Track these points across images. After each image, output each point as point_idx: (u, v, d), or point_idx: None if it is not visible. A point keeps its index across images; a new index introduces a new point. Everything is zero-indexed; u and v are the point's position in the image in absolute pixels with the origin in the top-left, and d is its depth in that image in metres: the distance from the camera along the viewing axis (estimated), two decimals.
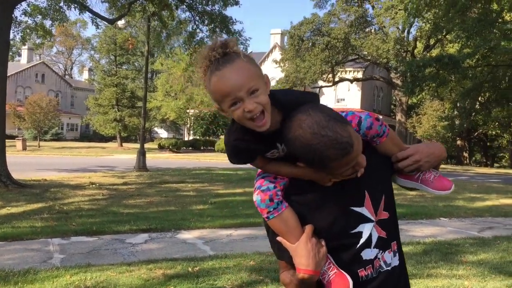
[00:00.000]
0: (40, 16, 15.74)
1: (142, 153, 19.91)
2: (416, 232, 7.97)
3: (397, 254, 1.55)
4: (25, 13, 15.68)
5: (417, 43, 36.30)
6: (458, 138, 43.05)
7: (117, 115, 43.75)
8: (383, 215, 1.50)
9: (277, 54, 43.43)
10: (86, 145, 44.29)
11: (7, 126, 15.36)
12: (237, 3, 16.60)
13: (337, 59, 35.41)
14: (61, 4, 13.00)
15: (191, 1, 17.32)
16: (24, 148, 34.07)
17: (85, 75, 63.56)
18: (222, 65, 1.29)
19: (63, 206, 10.02)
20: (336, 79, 37.85)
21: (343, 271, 1.43)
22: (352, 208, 1.46)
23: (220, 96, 1.31)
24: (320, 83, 37.93)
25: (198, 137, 41.87)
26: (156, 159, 29.20)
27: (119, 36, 42.19)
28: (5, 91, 13.47)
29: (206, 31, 17.71)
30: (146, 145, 37.50)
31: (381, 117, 1.49)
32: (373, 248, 1.47)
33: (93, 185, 13.81)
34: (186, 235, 7.40)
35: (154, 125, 54.47)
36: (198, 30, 17.77)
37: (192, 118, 42.98)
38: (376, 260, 1.48)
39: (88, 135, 56.14)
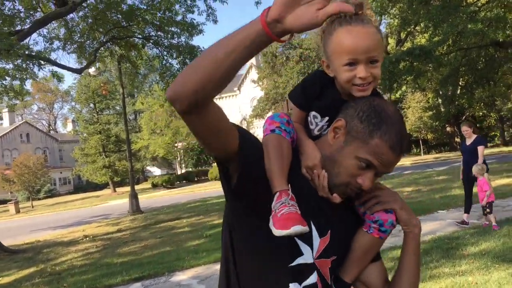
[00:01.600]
0: (8, 78, 15.61)
1: (134, 196, 19.62)
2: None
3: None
4: None
5: (389, 39, 36.56)
6: (447, 125, 43.12)
7: (106, 161, 43.45)
8: (326, 273, 1.28)
9: (254, 74, 43.57)
10: (81, 196, 43.84)
11: None
12: (201, 32, 16.58)
13: (312, 68, 35.56)
14: (19, 62, 12.79)
15: (156, 38, 17.28)
16: (18, 211, 33.56)
17: (69, 127, 63.37)
18: (356, 22, 1.16)
19: (55, 266, 9.74)
20: None
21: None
22: (312, 223, 1.24)
23: (341, 50, 1.18)
24: None
25: (190, 169, 41.62)
26: (151, 198, 28.87)
27: (93, 83, 42.20)
28: None
29: (177, 63, 17.64)
30: (141, 186, 37.17)
31: None
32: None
33: (87, 238, 13.51)
34: (181, 276, 7.15)
35: (145, 164, 54.15)
36: (168, 64, 17.71)
37: (182, 151, 42.79)
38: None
39: (82, 186, 55.63)
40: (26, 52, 12.10)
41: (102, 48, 17.30)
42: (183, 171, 43.36)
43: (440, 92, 39.23)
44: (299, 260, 1.24)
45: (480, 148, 7.52)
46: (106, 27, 16.52)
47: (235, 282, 1.29)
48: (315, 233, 1.25)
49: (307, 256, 1.24)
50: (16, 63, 12.87)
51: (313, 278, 1.25)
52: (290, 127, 1.28)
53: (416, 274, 1.33)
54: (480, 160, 7.37)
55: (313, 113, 1.32)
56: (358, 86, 1.20)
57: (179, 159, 44.55)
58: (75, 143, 56.04)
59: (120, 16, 16.41)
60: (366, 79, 1.19)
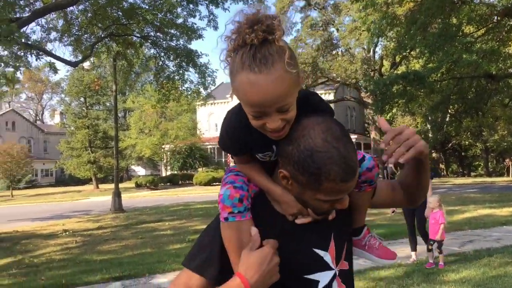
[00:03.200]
0: (1, 64, 15.48)
1: (117, 194, 19.48)
2: (397, 253, 7.83)
3: None
4: None
5: (384, 61, 37.00)
6: (433, 151, 43.59)
7: (91, 156, 43.08)
8: (344, 265, 1.31)
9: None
10: (62, 189, 43.32)
11: None
12: (200, 37, 16.63)
13: (307, 83, 35.77)
14: (16, 50, 12.73)
15: (155, 38, 17.30)
16: None
17: (57, 119, 62.76)
18: (259, 66, 1.02)
19: (34, 258, 9.62)
20: None
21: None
22: (314, 250, 1.25)
23: (246, 100, 1.08)
24: None
25: (175, 172, 41.41)
26: (134, 198, 28.67)
27: (86, 77, 41.96)
28: None
29: (173, 66, 17.67)
30: (124, 185, 36.84)
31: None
32: None
33: (66, 233, 13.37)
34: (161, 279, 7.11)
35: (130, 163, 53.78)
36: (164, 66, 17.71)
37: (168, 153, 42.59)
38: None
39: (64, 179, 55.00)
40: (24, 41, 12.01)
41: (99, 43, 17.25)
42: (168, 173, 43.15)
43: (430, 118, 39.73)
44: (321, 285, 1.25)
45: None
46: (105, 23, 16.50)
47: None
48: (322, 252, 1.26)
49: (325, 277, 1.26)
50: (12, 51, 12.78)
51: (335, 286, 1.28)
52: (245, 202, 1.20)
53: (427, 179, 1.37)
54: (429, 192, 6.94)
55: (260, 154, 1.23)
56: (272, 132, 1.12)
57: (165, 161, 44.33)
58: (61, 135, 55.50)
59: (120, 13, 16.41)
60: (277, 128, 1.10)
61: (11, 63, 15.02)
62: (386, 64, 37.60)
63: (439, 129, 39.09)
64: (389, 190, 1.43)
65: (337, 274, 1.28)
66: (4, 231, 14.38)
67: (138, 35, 17.28)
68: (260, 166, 1.25)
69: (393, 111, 31.72)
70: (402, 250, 8.05)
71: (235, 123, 1.18)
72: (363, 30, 29.19)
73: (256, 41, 1.04)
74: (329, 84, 40.35)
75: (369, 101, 34.78)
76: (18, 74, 17.29)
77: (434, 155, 44.12)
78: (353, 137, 40.52)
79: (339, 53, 36.47)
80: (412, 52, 28.63)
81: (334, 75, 36.18)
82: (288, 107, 1.08)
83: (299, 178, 1.13)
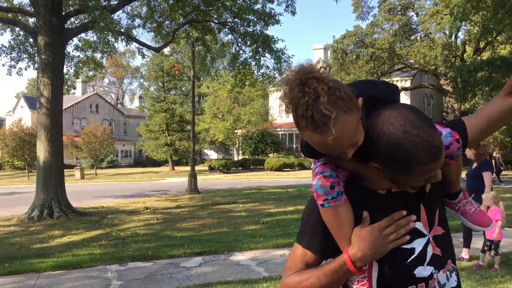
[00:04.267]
0: (90, 50, 16.50)
1: (193, 176, 20.21)
2: (476, 245, 7.58)
3: (453, 274, 1.44)
4: (76, 48, 16.50)
5: (466, 47, 35.17)
6: None
7: (168, 139, 44.78)
8: (438, 231, 1.41)
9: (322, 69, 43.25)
10: (140, 170, 45.50)
11: (65, 156, 16.07)
12: (277, 22, 16.71)
13: (383, 69, 34.81)
14: (110, 37, 13.50)
15: (233, 24, 17.61)
16: (82, 177, 35.41)
17: (136, 102, 65.66)
18: (321, 127, 1.15)
19: (120, 232, 10.31)
20: None
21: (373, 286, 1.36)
22: None
23: (320, 148, 1.22)
24: None
25: (247, 157, 42.09)
26: (207, 180, 29.57)
27: (165, 63, 43.48)
28: (62, 124, 14.12)
29: (249, 51, 17.92)
30: (197, 167, 38.10)
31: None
32: (427, 265, 1.36)
33: (148, 210, 14.12)
34: (240, 256, 7.39)
35: (203, 147, 55.30)
36: (241, 52, 18.01)
37: (240, 138, 43.33)
38: (431, 281, 1.37)
39: (142, 161, 57.66)
40: (116, 28, 12.71)
41: (179, 29, 17.84)
42: (240, 157, 43.96)
43: None
44: (416, 251, 1.36)
45: (486, 174, 6.56)
46: (185, 10, 17.02)
47: None
48: (416, 223, 1.36)
49: (420, 244, 1.36)
50: (102, 37, 13.57)
51: (430, 252, 1.37)
52: (337, 188, 1.32)
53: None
54: (487, 189, 6.47)
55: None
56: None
57: (237, 145, 45.16)
58: (140, 118, 58.08)
59: (200, 0, 16.85)
60: (350, 155, 1.24)
61: (99, 48, 15.99)
62: (469, 50, 35.71)
63: None
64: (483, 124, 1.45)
65: (431, 239, 1.38)
66: (92, 206, 15.45)
67: (217, 21, 17.67)
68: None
69: (476, 99, 30.19)
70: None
71: None
72: (445, 14, 27.90)
73: (311, 102, 1.14)
74: (406, 70, 38.99)
75: (449, 88, 33.32)
76: (104, 60, 18.37)
77: None
78: None
79: (418, 38, 35.09)
80: (498, 38, 27.00)
81: (412, 61, 34.87)
82: (356, 141, 1.22)
83: (390, 167, 1.24)
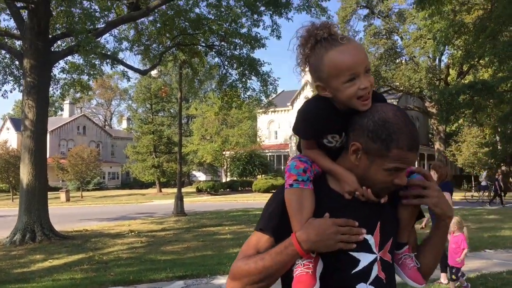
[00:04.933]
0: (77, 73, 16.52)
1: (179, 198, 20.12)
2: None
3: None
4: (63, 70, 16.51)
5: (450, 70, 35.84)
6: (502, 164, 41.50)
7: (155, 161, 44.64)
8: (387, 257, 1.44)
9: (308, 91, 43.70)
10: (127, 192, 45.16)
11: (51, 178, 15.93)
12: (263, 46, 16.95)
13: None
14: (95, 60, 13.58)
15: (219, 47, 17.81)
16: (68, 199, 35.05)
17: (124, 124, 65.55)
18: (344, 40, 1.29)
19: (103, 256, 10.20)
20: None
21: (316, 275, 1.33)
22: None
23: (338, 70, 1.30)
24: None
25: (235, 178, 42.04)
26: (195, 202, 29.42)
27: (153, 85, 43.65)
28: (46, 146, 14.05)
29: (236, 74, 18.10)
30: (185, 189, 37.85)
31: None
32: (369, 285, 1.38)
33: (132, 233, 14.01)
34: (222, 280, 7.35)
35: (192, 168, 55.15)
36: (228, 74, 18.18)
37: (229, 159, 43.35)
38: None
39: (129, 183, 57.29)
40: (100, 51, 12.79)
41: (166, 52, 18.00)
42: (228, 179, 43.88)
43: (499, 129, 37.93)
44: (362, 264, 1.38)
45: (446, 195, 6.42)
46: (173, 33, 17.21)
47: None
48: (367, 236, 1.39)
49: (367, 259, 1.39)
50: (88, 60, 13.64)
51: (374, 272, 1.40)
52: (308, 173, 1.38)
53: (439, 252, 1.56)
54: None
55: (330, 135, 1.41)
56: (361, 100, 1.32)
57: (225, 167, 45.13)
58: (128, 140, 57.90)
59: (187, 24, 17.05)
60: (369, 88, 1.31)
61: (85, 71, 16.03)
62: (453, 73, 36.38)
63: (509, 141, 37.17)
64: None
65: (378, 259, 1.41)
66: (76, 229, 15.27)
67: (204, 44, 17.87)
68: (324, 152, 1.45)
69: (459, 121, 30.61)
70: (466, 264, 7.84)
71: (312, 107, 1.41)
72: (428, 38, 28.50)
73: (326, 35, 1.31)
74: (392, 93, 39.51)
75: (434, 111, 33.77)
76: (91, 82, 18.39)
77: (503, 168, 41.96)
78: None
79: (403, 61, 35.71)
80: (481, 61, 27.57)
81: (397, 84, 35.40)
82: (369, 68, 1.32)
83: (370, 146, 1.33)
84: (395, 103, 41.36)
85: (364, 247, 1.39)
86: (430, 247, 1.54)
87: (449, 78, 35.30)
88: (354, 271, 1.37)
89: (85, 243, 12.40)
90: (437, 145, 37.46)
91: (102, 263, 9.34)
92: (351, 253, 1.37)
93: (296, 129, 1.45)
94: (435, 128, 37.59)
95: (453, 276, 6.10)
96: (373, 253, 1.40)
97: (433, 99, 31.11)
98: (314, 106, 1.40)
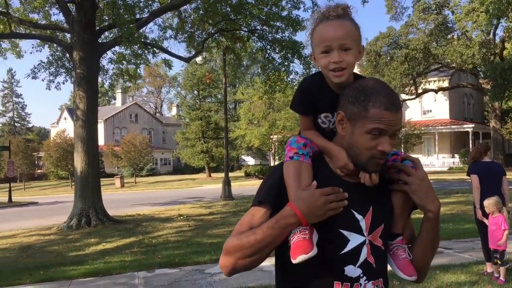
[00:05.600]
0: (124, 62, 17.02)
1: (227, 183, 20.44)
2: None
3: None
4: (111, 61, 17.05)
5: (506, 44, 34.11)
6: None
7: (204, 146, 45.40)
8: (377, 241, 1.45)
9: (355, 71, 42.86)
10: (178, 177, 46.27)
11: (106, 165, 16.60)
12: (304, 28, 16.74)
13: (418, 70, 34.21)
14: (139, 50, 13.94)
15: (261, 32, 17.78)
16: (122, 185, 36.38)
17: (174, 111, 66.93)
18: (332, 18, 1.42)
19: (152, 239, 10.60)
20: (420, 90, 36.46)
21: (313, 242, 1.35)
22: (352, 210, 1.42)
23: (318, 41, 1.43)
24: (403, 96, 36.75)
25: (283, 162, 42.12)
26: (243, 186, 29.78)
27: (198, 71, 44.18)
28: (97, 135, 14.62)
29: (278, 58, 18.04)
30: (234, 174, 38.38)
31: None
32: (357, 267, 1.40)
33: (181, 217, 14.42)
34: (264, 262, 7.47)
35: (240, 153, 55.75)
36: (270, 58, 18.15)
37: (276, 143, 43.43)
38: (357, 284, 1.40)
39: (180, 168, 58.64)
40: (142, 40, 13.11)
41: (209, 39, 18.17)
42: (276, 163, 44.03)
43: None
44: (350, 245, 1.41)
45: (473, 177, 6.07)
46: (215, 19, 17.33)
47: (290, 272, 1.49)
48: (359, 216, 1.42)
49: (356, 240, 1.41)
50: (133, 50, 14.02)
51: (363, 255, 1.42)
52: (308, 148, 1.46)
53: (427, 247, 1.53)
54: (474, 190, 6.04)
55: (323, 114, 1.50)
56: (334, 72, 1.40)
57: (273, 151, 45.28)
58: (178, 126, 59.17)
59: (229, 9, 17.12)
60: (339, 64, 1.39)
61: (132, 61, 16.48)
62: (509, 47, 34.63)
63: None
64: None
65: (368, 243, 1.43)
66: (128, 214, 15.90)
67: (246, 29, 17.90)
68: (319, 132, 1.53)
69: None
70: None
71: (308, 82, 1.52)
72: (481, 12, 27.22)
73: (335, 14, 1.42)
74: (443, 70, 38.14)
75: (488, 87, 32.37)
76: (139, 70, 18.89)
77: None
78: (471, 126, 37.94)
79: (455, 37, 34.32)
80: None
81: (449, 60, 34.10)
82: (348, 47, 1.40)
83: (351, 110, 1.38)
84: (446, 81, 40.01)
85: (355, 227, 1.41)
86: (418, 241, 1.53)
87: (504, 52, 33.64)
88: (342, 252, 1.40)
89: (137, 227, 12.91)
90: (492, 123, 35.95)
91: (151, 246, 9.72)
92: (341, 230, 1.40)
93: (294, 103, 1.54)
94: (490, 105, 36.04)
95: (497, 261, 5.70)
96: (363, 235, 1.42)
97: (485, 75, 29.81)
98: (310, 81, 1.52)
